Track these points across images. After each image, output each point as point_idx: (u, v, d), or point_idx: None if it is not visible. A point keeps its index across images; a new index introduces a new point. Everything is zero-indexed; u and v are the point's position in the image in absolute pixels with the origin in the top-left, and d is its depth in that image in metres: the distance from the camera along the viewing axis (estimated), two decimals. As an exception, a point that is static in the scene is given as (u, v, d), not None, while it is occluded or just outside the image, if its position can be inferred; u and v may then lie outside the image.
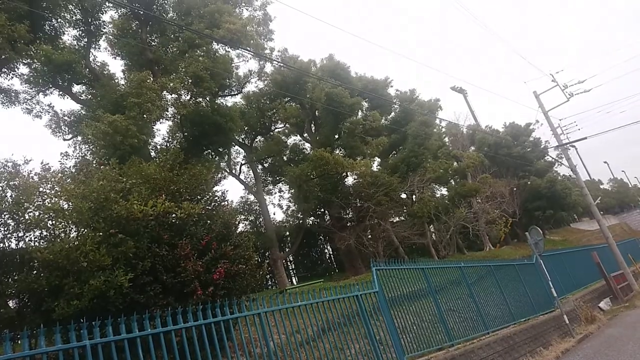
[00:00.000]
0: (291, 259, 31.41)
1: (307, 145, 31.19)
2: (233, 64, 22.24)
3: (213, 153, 22.38)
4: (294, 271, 31.50)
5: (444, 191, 38.00)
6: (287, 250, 29.67)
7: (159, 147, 20.86)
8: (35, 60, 16.38)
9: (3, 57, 14.04)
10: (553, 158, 40.05)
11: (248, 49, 18.40)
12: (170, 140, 22.23)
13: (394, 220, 30.28)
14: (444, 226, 29.60)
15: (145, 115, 14.78)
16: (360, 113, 28.51)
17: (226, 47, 20.92)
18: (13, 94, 17.84)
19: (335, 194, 26.31)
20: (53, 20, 17.21)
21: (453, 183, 37.85)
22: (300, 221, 29.35)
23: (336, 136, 28.38)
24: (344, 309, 7.80)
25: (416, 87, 37.03)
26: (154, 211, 8.51)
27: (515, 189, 39.87)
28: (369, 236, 27.57)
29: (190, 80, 18.11)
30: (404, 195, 31.10)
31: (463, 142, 37.90)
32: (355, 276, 22.12)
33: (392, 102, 31.55)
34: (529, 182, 44.13)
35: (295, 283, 27.52)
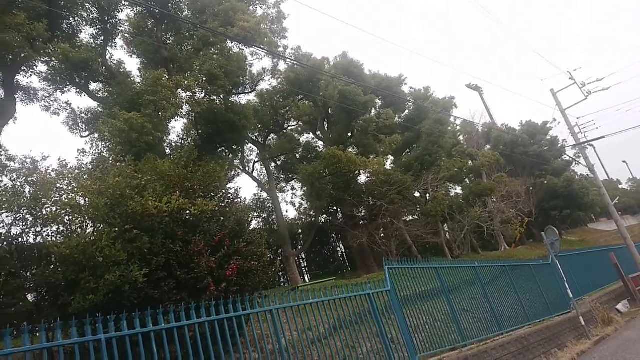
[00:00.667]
0: (303, 257, 31.50)
1: (320, 143, 31.19)
2: (247, 62, 22.35)
3: (227, 150, 22.54)
4: (306, 269, 31.58)
5: (459, 190, 37.63)
6: (299, 247, 29.76)
7: (173, 144, 21.10)
8: (54, 59, 16.70)
9: (22, 55, 14.31)
10: (570, 157, 39.23)
11: (262, 47, 18.46)
12: (184, 137, 22.47)
13: (407, 219, 30.09)
14: (458, 225, 29.32)
15: (160, 113, 14.96)
16: (373, 111, 28.36)
17: (240, 45, 21.02)
18: (32, 92, 18.23)
19: (348, 192, 26.25)
20: (70, 18, 17.50)
21: (468, 182, 37.44)
22: (313, 219, 29.40)
23: (349, 134, 28.30)
24: (355, 307, 7.77)
25: (430, 85, 36.70)
26: (169, 208, 8.60)
27: (531, 188, 39.24)
28: (382, 235, 27.46)
29: (204, 78, 18.25)
30: (417, 194, 30.87)
31: (478, 140, 37.47)
32: (368, 275, 22.06)
33: (406, 100, 31.31)
34: (545, 182, 43.37)
35: (307, 280, 27.58)
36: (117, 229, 7.81)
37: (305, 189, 27.82)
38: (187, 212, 9.40)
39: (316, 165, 23.88)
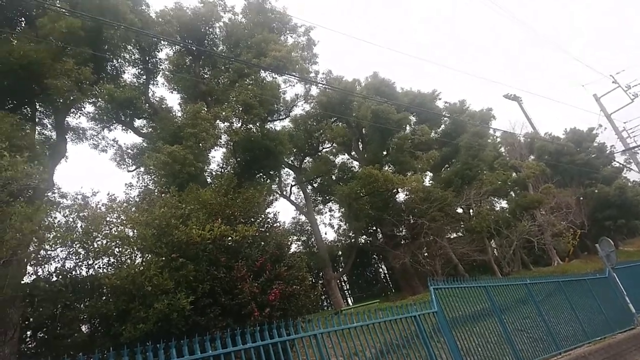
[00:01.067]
0: (345, 279, 31.09)
1: (355, 163, 31.19)
2: (280, 90, 22.97)
3: (264, 176, 22.99)
4: (349, 291, 31.10)
5: (504, 204, 36.19)
6: (340, 270, 29.44)
7: (214, 173, 21.78)
8: (100, 99, 17.85)
9: (71, 98, 15.39)
10: (620, 163, 37.07)
11: (294, 74, 18.96)
12: (224, 166, 23.16)
13: (451, 237, 29.14)
14: (506, 241, 28.04)
15: (200, 144, 15.55)
16: (408, 128, 28.15)
17: (273, 74, 21.70)
18: (81, 131, 19.50)
19: (387, 211, 25.89)
20: (114, 60, 18.73)
21: (513, 195, 35.98)
22: (352, 240, 29.11)
23: (384, 152, 28.12)
24: (402, 330, 7.52)
25: (465, 98, 36.06)
26: (211, 235, 8.83)
27: (581, 198, 37.10)
28: (425, 254, 26.70)
29: (240, 108, 18.90)
30: (460, 210, 29.93)
31: (521, 151, 36.09)
32: (413, 296, 21.41)
33: (441, 115, 30.87)
34: (596, 191, 40.89)
35: (350, 304, 27.11)
36: (163, 258, 8.09)
37: (342, 210, 27.73)
38: (229, 238, 9.60)
39: (352, 186, 23.82)
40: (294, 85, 29.52)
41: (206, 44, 20.90)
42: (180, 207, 9.57)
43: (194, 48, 20.15)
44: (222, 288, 8.41)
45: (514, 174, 33.08)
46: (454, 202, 26.28)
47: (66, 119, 17.60)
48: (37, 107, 16.60)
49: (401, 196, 27.81)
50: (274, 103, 22.30)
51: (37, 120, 16.77)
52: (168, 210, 8.88)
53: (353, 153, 31.18)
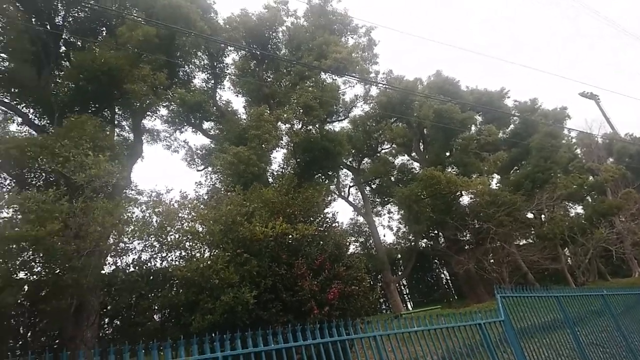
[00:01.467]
0: (404, 283, 30.48)
1: (416, 164, 30.47)
2: (340, 91, 23.11)
3: (323, 176, 23.21)
4: (408, 296, 30.45)
5: (579, 209, 33.44)
6: (399, 273, 28.92)
7: (275, 173, 22.38)
8: (173, 103, 19.10)
9: (147, 101, 16.64)
10: None
11: (354, 75, 18.98)
12: (284, 166, 23.72)
13: (520, 243, 27.46)
14: (582, 249, 25.89)
15: (263, 145, 16.11)
16: (473, 128, 26.99)
17: (333, 76, 21.89)
18: (155, 133, 21.06)
19: (450, 214, 24.99)
20: (185, 67, 19.98)
21: (589, 200, 33.15)
22: (412, 243, 28.46)
23: (447, 153, 27.19)
24: (465, 338, 7.23)
25: (537, 96, 33.88)
26: (273, 232, 9.12)
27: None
28: (491, 260, 25.40)
29: (301, 110, 19.29)
30: (530, 215, 28.11)
31: (598, 153, 33.21)
32: (477, 304, 20.50)
33: (510, 114, 29.24)
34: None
35: (410, 308, 26.55)
36: (229, 253, 8.48)
37: (402, 212, 27.20)
38: (290, 236, 9.85)
39: (413, 188, 23.30)
40: (353, 86, 29.59)
41: (269, 48, 21.57)
42: (245, 205, 9.98)
43: (258, 52, 20.89)
44: (283, 284, 8.65)
45: (590, 178, 30.46)
46: (524, 207, 24.72)
47: (142, 121, 19.05)
48: (117, 110, 18.14)
49: (465, 199, 26.69)
50: (334, 104, 22.46)
51: (116, 122, 18.33)
52: (234, 208, 9.30)
53: (413, 154, 30.50)
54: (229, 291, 7.59)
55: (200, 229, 9.14)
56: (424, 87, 28.30)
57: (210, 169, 20.60)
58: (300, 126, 20.35)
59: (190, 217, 9.54)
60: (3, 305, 8.79)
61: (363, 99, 26.65)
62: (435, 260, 31.47)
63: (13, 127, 16.26)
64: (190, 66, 20.03)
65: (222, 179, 17.11)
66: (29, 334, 11.50)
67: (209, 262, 8.41)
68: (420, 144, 29.85)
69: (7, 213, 9.95)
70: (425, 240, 29.52)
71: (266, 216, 10.11)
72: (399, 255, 30.41)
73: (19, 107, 16.60)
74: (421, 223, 24.42)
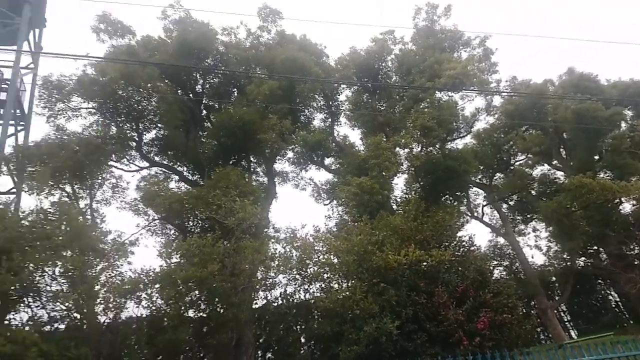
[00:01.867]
0: (564, 309, 26.53)
1: (559, 173, 27.00)
2: (458, 107, 22.17)
3: (451, 198, 22.09)
4: (570, 323, 26.35)
5: None
6: (556, 298, 25.34)
7: (398, 199, 22.14)
8: (296, 145, 20.54)
9: (276, 147, 18.24)
10: None
11: (472, 88, 18.14)
12: (407, 191, 23.31)
13: None
14: None
15: (384, 173, 16.20)
16: (623, 125, 23.16)
17: (449, 93, 21.24)
18: (285, 175, 22.80)
19: (609, 226, 21.38)
20: (305, 110, 21.47)
21: None
22: (568, 263, 24.83)
23: (595, 157, 23.64)
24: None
25: None
26: (407, 260, 8.95)
27: None
28: (675, 276, 20.71)
29: (418, 133, 18.98)
30: None
31: None
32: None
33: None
34: None
35: (574, 337, 22.92)
36: (365, 283, 8.54)
37: (550, 228, 24.13)
38: (424, 263, 9.52)
39: (560, 200, 20.65)
40: (472, 100, 28.05)
41: (380, 78, 22.00)
42: (374, 234, 10.03)
43: (370, 84, 21.45)
44: (425, 314, 8.32)
45: None
46: None
47: (273, 165, 20.89)
48: (251, 159, 20.29)
49: (627, 207, 22.62)
50: (453, 122, 21.53)
51: (252, 169, 20.44)
52: (364, 238, 9.43)
53: (554, 162, 27.15)
54: (370, 322, 7.60)
55: (335, 261, 9.43)
56: (556, 87, 25.41)
57: (334, 202, 21.36)
58: (419, 149, 19.95)
59: (325, 249, 9.94)
60: (177, 341, 10.15)
61: (485, 111, 25.01)
62: (599, 280, 26.86)
63: (172, 185, 19.27)
64: (309, 109, 21.50)
65: (347, 210, 17.54)
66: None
67: (347, 293, 8.58)
68: (561, 150, 26.52)
69: (176, 258, 11.69)
70: (583, 258, 25.54)
71: (396, 244, 9.99)
72: (554, 278, 26.73)
73: (175, 166, 19.77)
74: (575, 239, 21.29)
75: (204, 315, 10.67)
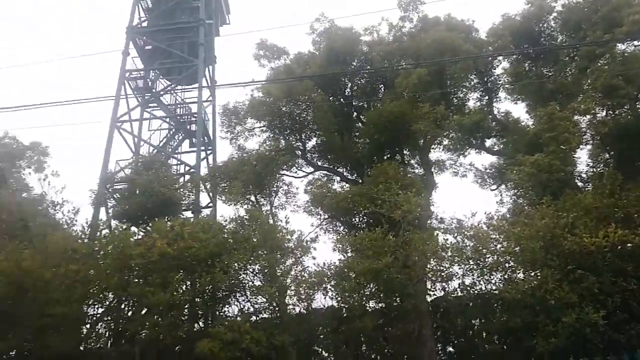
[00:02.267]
0: None
1: None
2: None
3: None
4: None
5: None
6: None
7: (584, 175, 19.23)
8: (451, 130, 19.65)
9: (429, 136, 17.78)
10: None
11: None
12: (594, 164, 20.04)
13: None
14: None
15: (563, 147, 14.32)
16: None
17: (635, 42, 17.65)
18: (441, 163, 21.99)
19: None
20: (458, 92, 20.37)
21: None
22: None
23: None
24: None
25: None
26: (607, 242, 7.80)
27: None
28: None
29: (600, 95, 16.19)
30: None
31: None
32: None
33: None
34: None
35: None
36: (557, 271, 7.74)
37: None
38: (630, 244, 8.16)
39: None
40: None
41: (542, 41, 19.51)
42: (562, 216, 8.99)
43: (532, 50, 19.21)
44: (638, 301, 7.13)
45: None
46: None
47: (428, 155, 20.44)
48: (404, 151, 20.28)
49: None
50: (641, 74, 17.66)
51: (406, 162, 20.41)
52: (550, 221, 8.54)
53: None
54: (569, 312, 6.87)
55: (517, 249, 8.78)
56: None
57: (503, 186, 19.68)
58: (604, 113, 16.96)
59: (501, 237, 9.35)
60: (362, 330, 10.81)
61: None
62: None
63: (335, 185, 20.69)
64: (462, 90, 20.36)
65: (522, 193, 16.01)
66: (378, 358, 13.45)
67: (535, 282, 7.92)
68: None
69: (349, 253, 12.55)
70: None
71: (591, 225, 8.75)
72: None
73: (335, 168, 21.16)
74: None
75: (383, 306, 11.18)
